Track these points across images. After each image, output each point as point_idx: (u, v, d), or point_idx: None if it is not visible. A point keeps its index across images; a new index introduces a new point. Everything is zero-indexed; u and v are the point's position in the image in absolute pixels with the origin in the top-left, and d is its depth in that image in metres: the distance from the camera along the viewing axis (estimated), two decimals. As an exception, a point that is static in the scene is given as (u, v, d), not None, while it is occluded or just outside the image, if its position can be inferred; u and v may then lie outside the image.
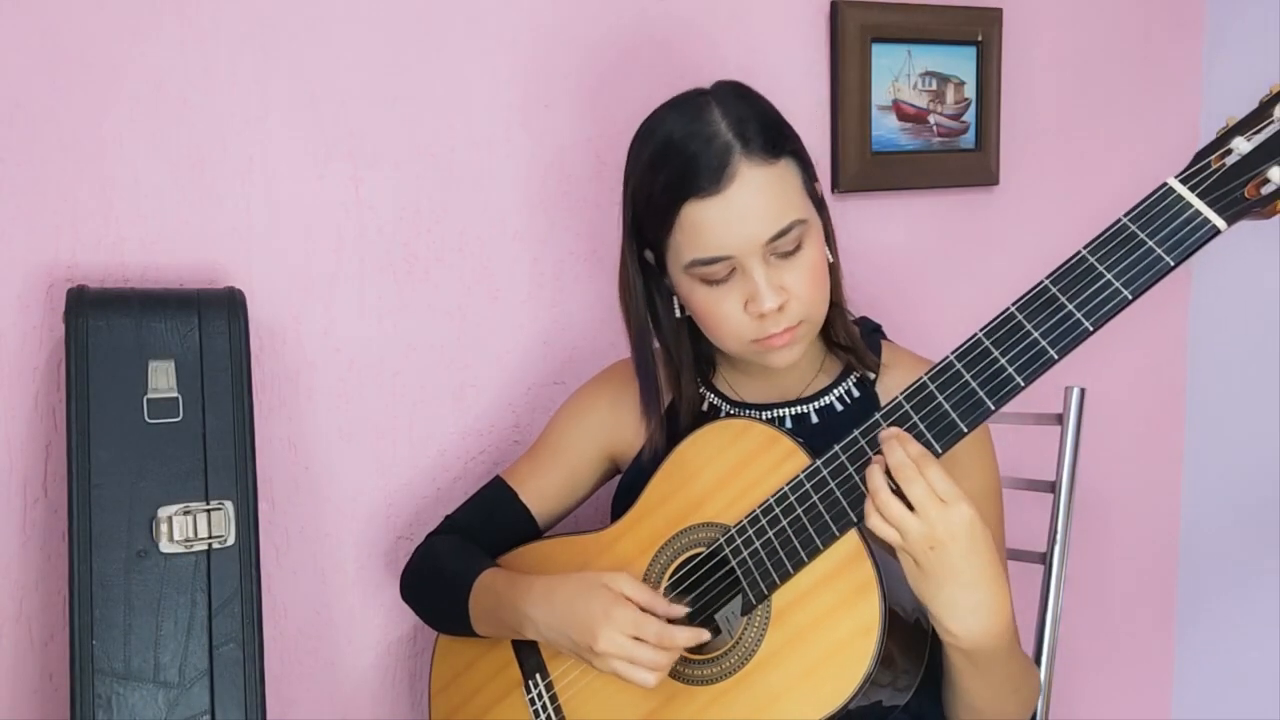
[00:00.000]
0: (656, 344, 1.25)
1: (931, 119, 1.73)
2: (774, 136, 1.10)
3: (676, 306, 1.20)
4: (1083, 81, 1.89)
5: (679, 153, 1.09)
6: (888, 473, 0.97)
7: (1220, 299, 2.03)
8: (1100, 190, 1.92)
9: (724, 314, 1.12)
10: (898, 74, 1.69)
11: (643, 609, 1.07)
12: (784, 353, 1.14)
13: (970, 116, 1.77)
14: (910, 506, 0.95)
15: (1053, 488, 1.39)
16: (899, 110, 1.70)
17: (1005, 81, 1.79)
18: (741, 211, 1.08)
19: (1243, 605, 2.05)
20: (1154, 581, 2.12)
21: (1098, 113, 1.91)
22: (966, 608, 0.96)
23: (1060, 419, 1.39)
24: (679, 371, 1.24)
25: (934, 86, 1.73)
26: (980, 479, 1.17)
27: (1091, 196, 1.91)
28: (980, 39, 1.74)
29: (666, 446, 1.21)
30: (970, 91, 1.76)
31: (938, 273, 1.79)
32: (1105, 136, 1.92)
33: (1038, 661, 1.38)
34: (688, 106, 1.12)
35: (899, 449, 0.96)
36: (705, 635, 1.07)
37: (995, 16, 1.75)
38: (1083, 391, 1.39)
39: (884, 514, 0.96)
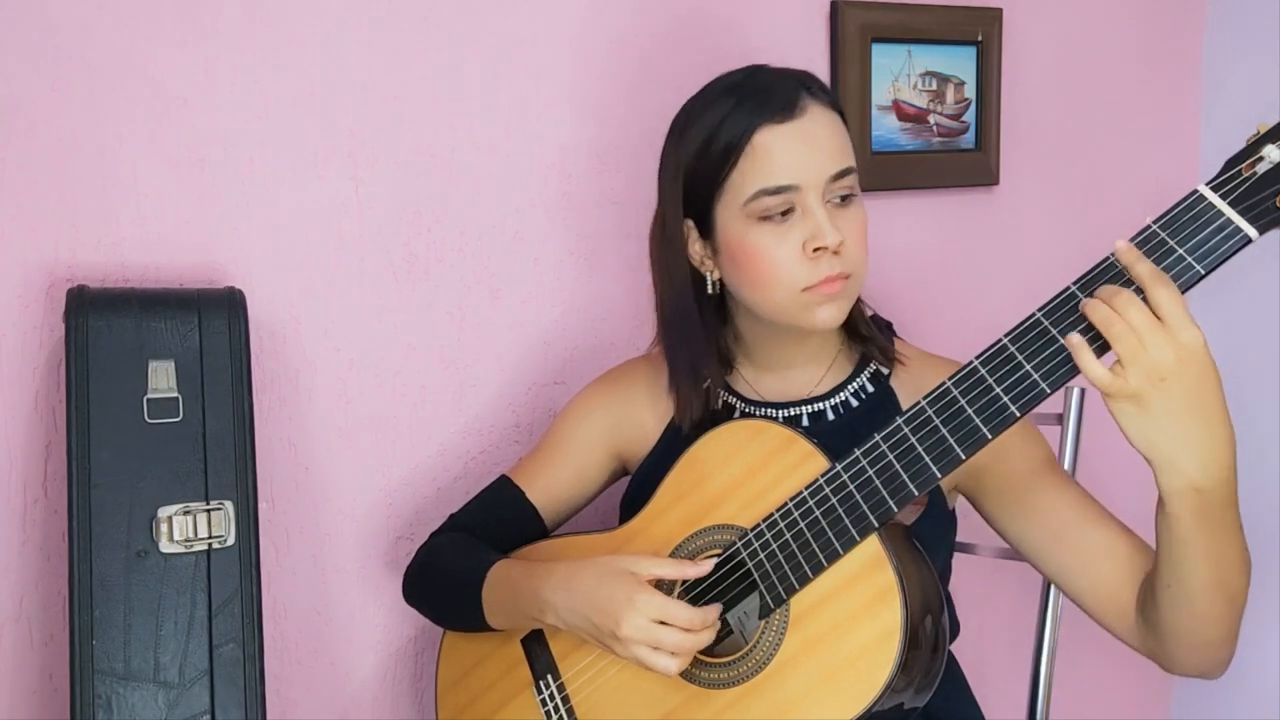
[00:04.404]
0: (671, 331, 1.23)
1: (931, 119, 1.73)
2: (833, 96, 1.17)
3: (710, 283, 1.19)
4: (1083, 81, 1.89)
5: (749, 88, 1.13)
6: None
7: (1220, 299, 2.03)
8: (1101, 190, 1.92)
9: (780, 257, 1.11)
10: (898, 74, 1.69)
11: (673, 580, 1.07)
12: (831, 307, 1.12)
13: (970, 116, 1.77)
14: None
15: (1053, 488, 1.39)
16: (899, 110, 1.70)
17: (1005, 81, 1.79)
18: (813, 139, 1.11)
19: (1243, 605, 2.05)
20: (1154, 581, 2.12)
21: (1098, 113, 1.91)
22: (1204, 440, 0.91)
23: (1060, 419, 1.39)
24: (702, 351, 1.20)
25: (934, 86, 1.73)
26: (1026, 459, 1.14)
27: (1092, 196, 1.91)
28: (980, 39, 1.74)
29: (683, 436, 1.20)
30: (970, 91, 1.76)
31: (938, 273, 1.79)
32: (1105, 136, 1.92)
33: (1037, 662, 1.38)
34: (739, 70, 1.17)
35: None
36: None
37: (995, 16, 1.75)
38: (1083, 392, 1.38)
39: (1111, 332, 0.88)
